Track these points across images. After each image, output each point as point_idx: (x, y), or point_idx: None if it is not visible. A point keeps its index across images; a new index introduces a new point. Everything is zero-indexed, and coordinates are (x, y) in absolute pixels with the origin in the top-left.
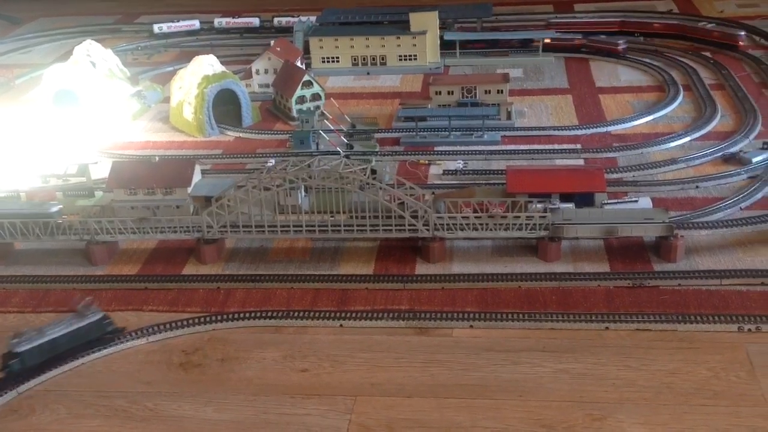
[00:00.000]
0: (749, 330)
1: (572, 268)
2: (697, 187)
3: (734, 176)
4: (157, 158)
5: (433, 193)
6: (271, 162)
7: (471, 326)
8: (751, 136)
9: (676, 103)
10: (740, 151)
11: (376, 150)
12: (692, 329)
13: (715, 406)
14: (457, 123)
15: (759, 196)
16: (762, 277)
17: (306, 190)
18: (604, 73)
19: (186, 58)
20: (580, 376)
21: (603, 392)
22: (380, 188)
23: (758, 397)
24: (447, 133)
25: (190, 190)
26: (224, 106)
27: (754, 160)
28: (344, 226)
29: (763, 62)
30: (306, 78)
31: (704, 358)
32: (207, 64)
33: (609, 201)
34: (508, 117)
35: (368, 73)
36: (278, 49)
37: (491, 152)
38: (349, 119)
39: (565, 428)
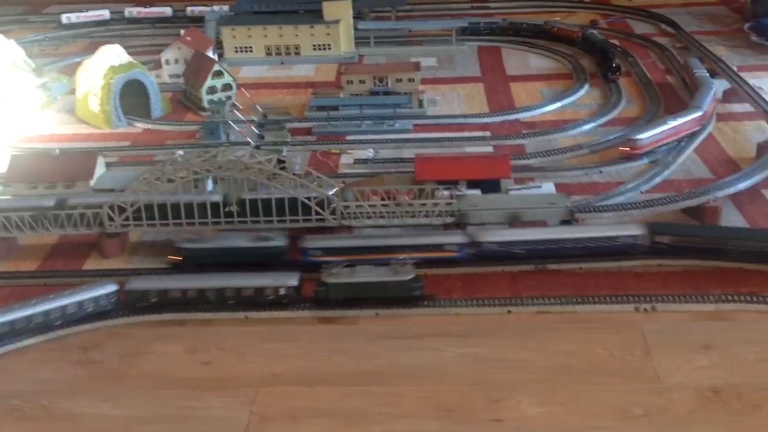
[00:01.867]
0: (645, 310)
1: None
2: (600, 172)
3: (636, 161)
4: (57, 151)
5: (344, 182)
6: (180, 153)
7: (376, 314)
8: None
9: (583, 91)
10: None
11: (288, 140)
12: (591, 310)
13: (611, 384)
14: (368, 112)
15: (658, 180)
16: (658, 258)
17: (215, 182)
18: (516, 61)
19: (95, 49)
20: (482, 360)
21: (503, 374)
22: (287, 178)
23: (652, 374)
24: (359, 122)
25: (92, 183)
26: (134, 98)
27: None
28: (251, 217)
29: (668, 49)
30: (216, 68)
31: (601, 338)
32: (113, 54)
33: (513, 187)
34: (420, 105)
35: (282, 63)
36: (189, 38)
37: (402, 141)
38: (260, 109)
39: (464, 411)
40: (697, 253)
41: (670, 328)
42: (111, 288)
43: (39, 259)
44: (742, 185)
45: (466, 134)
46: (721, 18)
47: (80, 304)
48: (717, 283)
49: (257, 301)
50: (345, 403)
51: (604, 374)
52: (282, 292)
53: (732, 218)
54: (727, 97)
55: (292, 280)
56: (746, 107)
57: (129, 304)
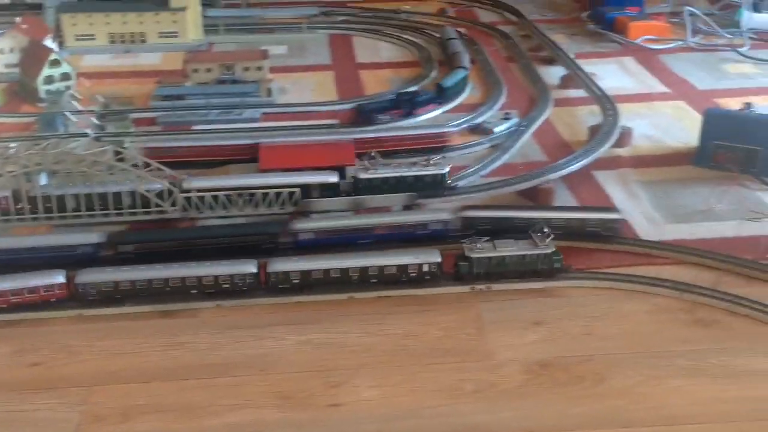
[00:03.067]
0: (481, 289)
1: None
2: (443, 157)
3: (477, 146)
4: None
5: (188, 173)
6: (13, 147)
7: (218, 305)
8: (496, 107)
9: (430, 78)
10: (484, 121)
11: (130, 130)
12: (429, 292)
13: (445, 363)
14: (216, 101)
15: (498, 164)
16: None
17: (51, 175)
18: (366, 49)
19: None
20: (322, 346)
21: (342, 360)
22: (124, 170)
23: (485, 351)
24: (205, 111)
25: None
26: None
27: (496, 129)
28: (86, 210)
29: (511, 37)
30: (53, 57)
31: (439, 319)
32: None
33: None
34: (269, 94)
35: (127, 51)
36: (25, 26)
37: (250, 130)
38: (102, 99)
39: (302, 397)
40: (164, 257)
41: (503, 307)
42: None
43: None
44: (573, 167)
45: (315, 122)
46: (561, 7)
47: None
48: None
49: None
50: (182, 397)
51: (439, 354)
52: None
53: (565, 198)
54: (565, 83)
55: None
56: (581, 93)
57: None
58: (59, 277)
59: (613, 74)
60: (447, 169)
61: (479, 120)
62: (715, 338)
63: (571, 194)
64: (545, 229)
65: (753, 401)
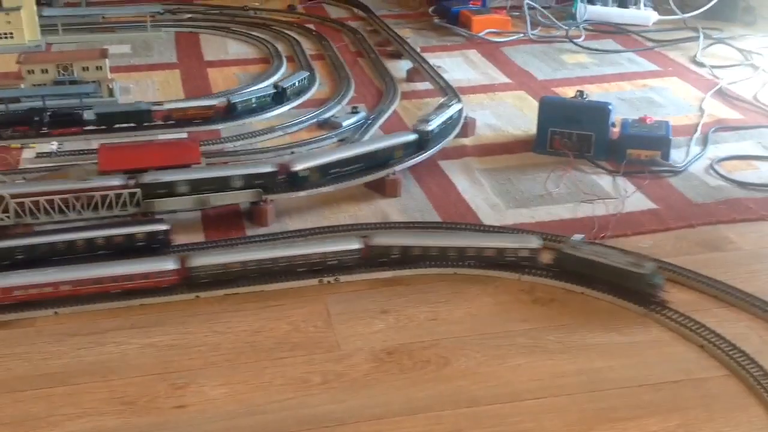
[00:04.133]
0: (328, 282)
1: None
2: (292, 152)
3: (326, 140)
4: None
5: (24, 178)
6: None
7: (55, 313)
8: (344, 102)
9: (278, 74)
10: (332, 116)
11: None
12: (278, 287)
13: (293, 357)
14: (53, 103)
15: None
16: (341, 232)
17: None
18: (213, 47)
19: None
20: (167, 348)
21: (188, 360)
22: None
23: (332, 343)
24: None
25: None
26: None
27: (344, 123)
28: None
29: (360, 32)
30: None
31: (287, 314)
32: None
33: None
34: (111, 94)
35: None
36: None
37: (90, 131)
38: None
39: (146, 401)
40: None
41: (351, 298)
42: None
43: None
44: (419, 158)
45: (160, 122)
46: (408, 2)
47: None
48: None
49: None
50: (18, 409)
51: (288, 348)
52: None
53: (412, 189)
54: (411, 76)
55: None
56: (427, 85)
57: None
58: None
59: (458, 66)
60: None
61: (327, 115)
62: (553, 317)
63: (418, 185)
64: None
65: (588, 373)
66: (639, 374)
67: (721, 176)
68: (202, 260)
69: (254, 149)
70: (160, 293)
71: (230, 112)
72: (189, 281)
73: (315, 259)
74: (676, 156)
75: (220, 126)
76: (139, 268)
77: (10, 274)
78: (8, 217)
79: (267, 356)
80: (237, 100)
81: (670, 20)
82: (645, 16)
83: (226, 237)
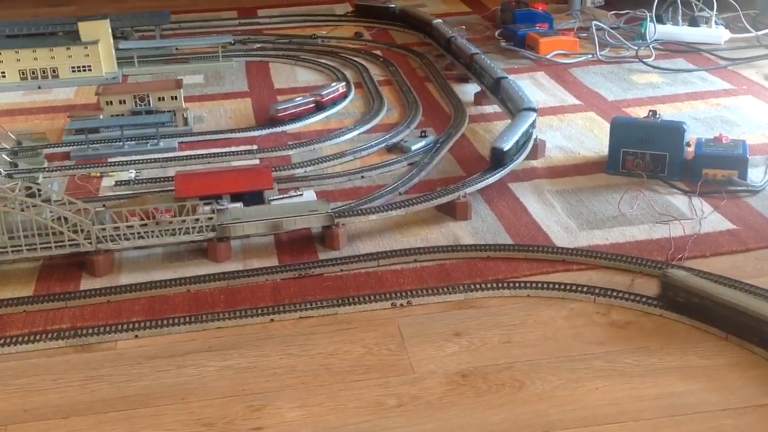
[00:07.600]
0: (401, 305)
1: (242, 266)
2: (362, 177)
3: (396, 164)
4: None
5: (104, 205)
6: None
7: (136, 336)
8: (412, 126)
9: (347, 101)
10: (402, 140)
11: (43, 166)
12: (351, 311)
13: (368, 380)
14: (130, 132)
15: (416, 180)
16: (414, 255)
17: None
18: (283, 75)
19: None
20: (243, 371)
21: (264, 383)
22: (33, 205)
23: (406, 366)
24: (120, 143)
25: None
26: None
27: (413, 147)
28: None
29: (427, 57)
30: None
31: (360, 337)
32: None
33: (274, 197)
34: (185, 123)
35: (39, 87)
36: None
37: (167, 159)
38: (14, 136)
39: (225, 423)
40: None
41: (424, 321)
42: None
43: None
44: (489, 181)
45: (233, 149)
46: (475, 26)
47: None
48: (466, 274)
49: None
50: (101, 430)
51: (362, 371)
52: None
53: (482, 212)
54: (479, 99)
55: None
56: (495, 108)
57: None
58: None
59: (527, 89)
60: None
61: (396, 139)
62: (630, 339)
63: (488, 207)
64: None
65: (667, 397)
66: (721, 398)
67: None
68: None
69: (323, 174)
70: (236, 317)
71: None
72: None
73: None
74: (754, 175)
75: (291, 152)
76: None
77: None
78: (89, 243)
79: (342, 379)
80: None
81: (743, 38)
82: (717, 34)
83: (299, 261)
